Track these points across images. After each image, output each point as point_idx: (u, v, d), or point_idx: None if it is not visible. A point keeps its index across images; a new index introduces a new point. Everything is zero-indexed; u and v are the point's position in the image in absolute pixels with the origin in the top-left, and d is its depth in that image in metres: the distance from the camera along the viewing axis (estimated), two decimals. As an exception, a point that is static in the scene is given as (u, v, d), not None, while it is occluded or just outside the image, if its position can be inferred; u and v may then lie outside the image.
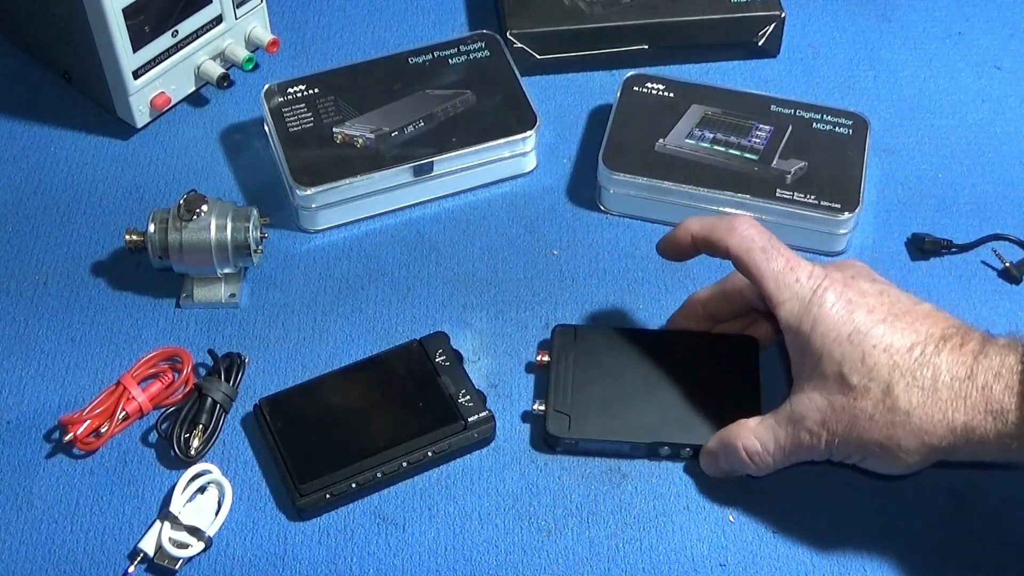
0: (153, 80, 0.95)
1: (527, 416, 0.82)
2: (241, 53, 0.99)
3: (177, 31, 0.95)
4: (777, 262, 0.74)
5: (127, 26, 0.90)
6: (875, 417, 0.70)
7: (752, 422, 0.76)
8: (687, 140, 0.94)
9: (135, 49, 0.92)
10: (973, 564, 0.76)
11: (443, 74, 0.97)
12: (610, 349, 0.83)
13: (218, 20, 0.97)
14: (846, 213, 0.89)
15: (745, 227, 0.76)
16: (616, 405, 0.80)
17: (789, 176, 0.91)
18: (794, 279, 0.74)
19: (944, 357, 0.69)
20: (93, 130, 0.99)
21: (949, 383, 0.68)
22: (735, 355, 0.82)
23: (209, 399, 0.81)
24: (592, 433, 0.79)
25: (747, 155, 0.93)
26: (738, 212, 0.91)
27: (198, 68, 0.98)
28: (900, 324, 0.71)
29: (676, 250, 0.81)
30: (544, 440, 0.81)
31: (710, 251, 0.79)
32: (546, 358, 0.83)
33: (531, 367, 0.85)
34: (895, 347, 0.70)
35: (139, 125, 0.98)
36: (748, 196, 0.90)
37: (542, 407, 0.80)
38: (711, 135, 0.94)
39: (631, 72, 0.98)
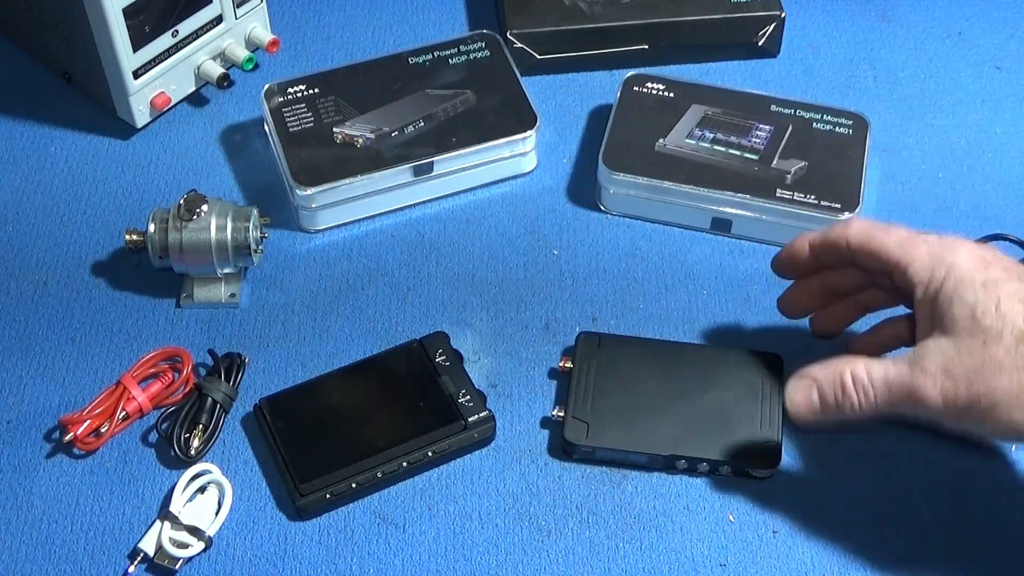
0: (153, 80, 0.95)
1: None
2: (241, 53, 0.99)
3: (177, 31, 0.95)
4: (899, 233, 0.74)
5: (127, 26, 0.90)
6: (1005, 364, 0.67)
7: (865, 357, 0.73)
8: (687, 140, 0.94)
9: (135, 49, 0.92)
10: (974, 564, 0.76)
11: (443, 74, 0.97)
12: (634, 359, 0.83)
13: (218, 20, 0.97)
14: (846, 213, 0.89)
15: (859, 221, 0.77)
16: (636, 416, 0.80)
17: (789, 176, 0.91)
18: (921, 240, 0.73)
19: None
20: (93, 130, 0.99)
21: None
22: (760, 372, 0.82)
23: (209, 399, 0.81)
24: (610, 442, 0.79)
25: (747, 155, 0.93)
26: (740, 212, 0.91)
27: (198, 68, 0.98)
28: None
29: (794, 263, 0.80)
30: (561, 447, 0.80)
31: (831, 253, 0.78)
32: (569, 364, 0.82)
33: (531, 367, 0.85)
34: None
35: (139, 125, 0.98)
36: (748, 196, 0.90)
37: (561, 413, 0.80)
38: (711, 135, 0.94)
39: (631, 72, 0.98)
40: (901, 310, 0.80)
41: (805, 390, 0.74)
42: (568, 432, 0.79)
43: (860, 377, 0.72)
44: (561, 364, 0.83)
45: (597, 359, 0.82)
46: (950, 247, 0.72)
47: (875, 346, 0.81)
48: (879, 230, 0.75)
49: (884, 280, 0.76)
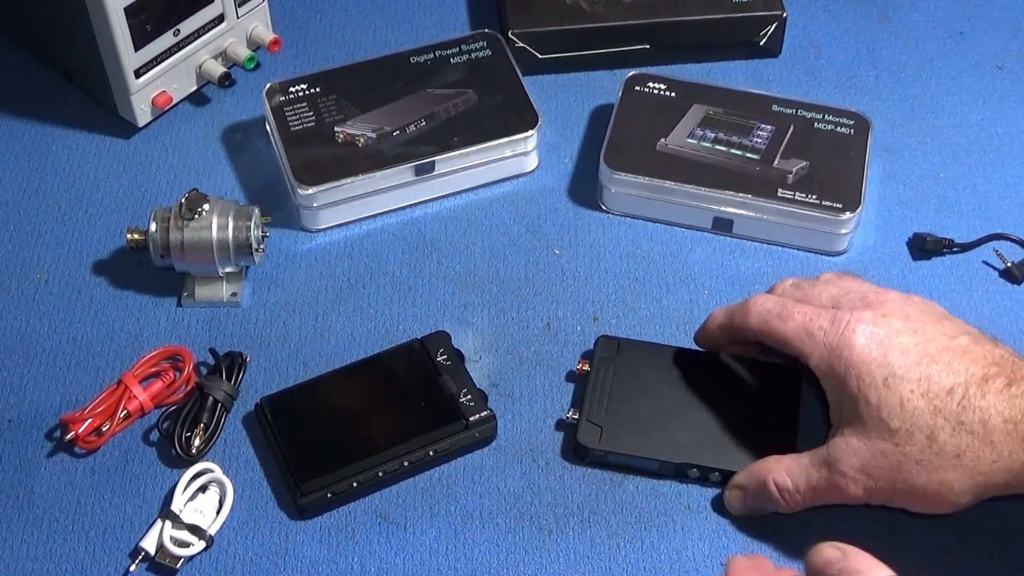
0: (155, 79, 0.95)
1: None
2: (243, 52, 0.99)
3: (179, 30, 0.95)
4: (794, 319, 0.74)
5: (129, 25, 0.91)
6: (923, 462, 0.68)
7: (786, 459, 0.74)
8: (688, 140, 0.94)
9: (137, 48, 0.92)
10: (974, 564, 0.76)
11: (445, 73, 0.97)
12: (651, 365, 0.82)
13: (220, 19, 0.97)
14: (847, 213, 0.89)
15: (758, 303, 0.76)
16: (650, 422, 0.80)
17: (791, 176, 0.91)
18: (816, 328, 0.73)
19: (991, 399, 0.68)
20: (94, 129, 0.99)
21: (1002, 426, 0.67)
22: (777, 385, 0.81)
23: (210, 398, 0.81)
24: (622, 448, 0.79)
25: (749, 155, 0.93)
26: (741, 212, 0.91)
27: (199, 67, 0.98)
28: (937, 366, 0.69)
29: (712, 342, 0.81)
30: (574, 451, 0.80)
31: (740, 337, 0.79)
32: (586, 367, 0.82)
33: (533, 366, 0.85)
34: (933, 391, 0.69)
35: (140, 124, 0.98)
36: (749, 196, 0.90)
37: (575, 416, 0.80)
38: (712, 135, 0.94)
39: (632, 72, 0.98)
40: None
41: (737, 499, 0.77)
42: (581, 436, 0.79)
43: (784, 484, 0.73)
44: (579, 367, 0.83)
45: (615, 364, 0.82)
46: (845, 338, 0.71)
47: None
48: (776, 318, 0.75)
49: None
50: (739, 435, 0.79)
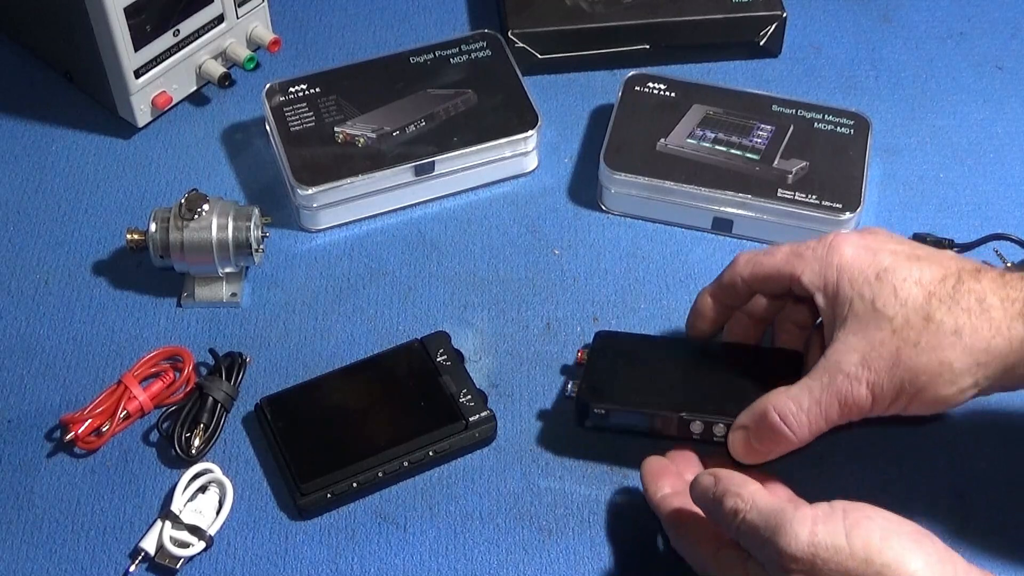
0: (154, 79, 0.95)
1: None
2: (242, 52, 0.99)
3: (178, 30, 0.95)
4: (781, 250, 0.75)
5: (128, 25, 0.91)
6: (921, 343, 0.68)
7: (782, 387, 0.72)
8: (688, 140, 0.94)
9: (136, 48, 0.92)
10: (976, 562, 0.76)
11: (444, 73, 0.97)
12: (651, 351, 0.82)
13: (219, 19, 0.97)
14: (847, 213, 0.89)
15: (744, 253, 0.78)
16: (652, 385, 0.79)
17: (790, 176, 0.91)
18: (804, 248, 0.74)
19: (985, 284, 0.68)
20: (94, 129, 0.99)
21: (999, 304, 0.68)
22: (778, 368, 0.80)
23: (210, 398, 0.81)
24: (625, 404, 0.77)
25: (748, 155, 0.93)
26: (741, 212, 0.91)
27: (199, 67, 0.98)
28: (926, 262, 0.70)
29: (704, 318, 0.81)
30: (576, 413, 0.79)
31: (733, 297, 0.79)
32: (585, 358, 0.82)
33: (532, 367, 0.85)
34: (926, 279, 0.69)
35: (140, 124, 0.98)
36: (749, 196, 0.90)
37: (576, 390, 0.79)
38: (712, 135, 0.94)
39: (632, 72, 0.98)
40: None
41: (741, 441, 0.74)
42: (583, 393, 0.78)
43: (786, 408, 0.71)
44: (578, 356, 0.83)
45: (614, 350, 0.82)
46: (834, 248, 0.73)
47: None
48: (763, 255, 0.76)
49: (790, 300, 0.78)
50: (741, 396, 0.76)
